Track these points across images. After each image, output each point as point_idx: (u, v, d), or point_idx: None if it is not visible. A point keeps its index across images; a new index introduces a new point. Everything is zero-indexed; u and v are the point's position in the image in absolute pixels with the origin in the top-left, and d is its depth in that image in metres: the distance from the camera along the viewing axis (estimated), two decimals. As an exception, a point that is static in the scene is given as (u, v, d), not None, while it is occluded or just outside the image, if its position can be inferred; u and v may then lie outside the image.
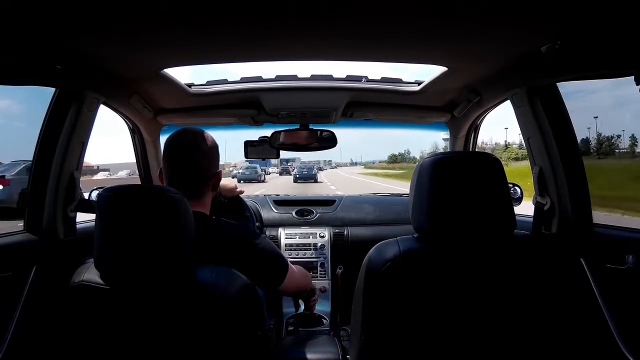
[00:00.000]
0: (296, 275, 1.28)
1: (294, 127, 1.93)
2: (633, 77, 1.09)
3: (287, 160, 49.87)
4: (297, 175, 26.63)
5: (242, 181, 23.52)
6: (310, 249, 2.05)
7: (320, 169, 56.59)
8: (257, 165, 27.74)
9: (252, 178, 25.74)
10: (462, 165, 1.00)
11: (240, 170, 27.65)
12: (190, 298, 0.93)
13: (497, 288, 1.00)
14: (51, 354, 1.24)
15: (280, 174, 37.69)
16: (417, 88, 1.72)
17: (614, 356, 1.18)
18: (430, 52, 1.34)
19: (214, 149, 1.20)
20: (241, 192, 1.68)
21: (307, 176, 26.34)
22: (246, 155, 2.05)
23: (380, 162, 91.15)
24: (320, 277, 2.02)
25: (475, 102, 1.69)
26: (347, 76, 1.77)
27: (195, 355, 0.92)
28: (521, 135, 1.50)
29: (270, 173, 33.25)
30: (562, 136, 1.34)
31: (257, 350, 1.04)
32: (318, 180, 26.55)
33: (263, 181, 26.48)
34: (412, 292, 0.99)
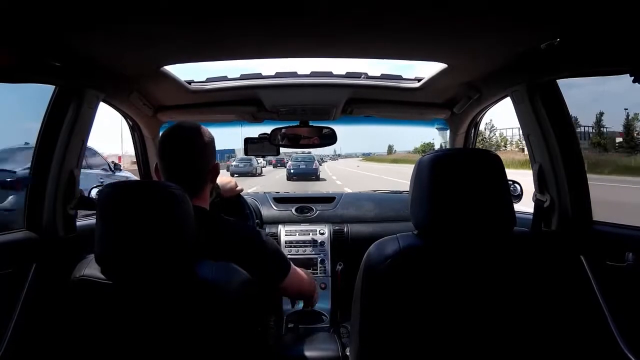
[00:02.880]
0: (302, 278, 1.28)
1: (294, 124, 1.93)
2: (628, 74, 1.10)
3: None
4: (292, 171, 19.79)
5: (235, 175, 19.60)
6: (310, 246, 2.05)
7: (322, 160, 44.82)
8: (253, 158, 21.71)
9: (248, 172, 22.11)
10: (462, 162, 1.00)
11: (234, 163, 23.43)
12: (191, 293, 0.93)
13: (497, 285, 1.00)
14: (51, 351, 1.24)
15: (275, 166, 31.44)
16: (417, 85, 1.72)
17: (613, 354, 1.18)
18: (430, 49, 1.34)
19: (210, 143, 1.19)
20: (241, 190, 1.68)
21: (306, 172, 19.61)
22: (246, 152, 2.05)
23: (376, 154, 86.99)
24: (320, 274, 2.02)
25: (475, 99, 1.69)
26: (347, 73, 1.76)
27: (195, 349, 0.92)
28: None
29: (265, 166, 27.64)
30: (562, 133, 1.34)
31: (257, 346, 1.04)
32: (321, 177, 20.04)
33: (260, 174, 23.39)
34: (412, 288, 0.99)
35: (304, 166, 20.04)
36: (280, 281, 1.20)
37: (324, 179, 19.45)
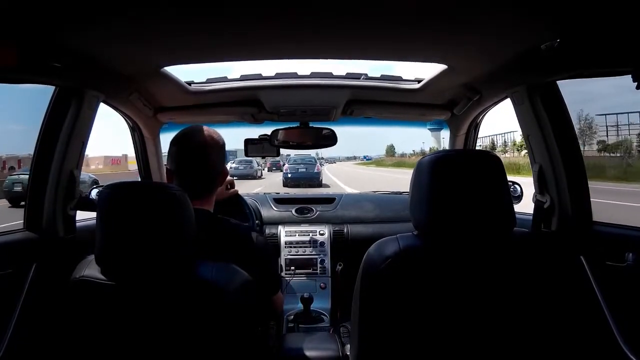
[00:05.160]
0: (281, 302, 1.33)
1: (294, 125, 1.93)
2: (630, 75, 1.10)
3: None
4: (290, 175, 16.60)
5: (234, 177, 15.06)
6: (310, 246, 2.05)
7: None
8: (253, 159, 20.03)
9: (247, 174, 20.31)
10: (462, 163, 1.00)
11: (233, 165, 21.03)
12: (192, 293, 0.93)
13: (497, 286, 1.00)
14: (51, 351, 1.24)
15: (270, 169, 27.69)
16: (417, 86, 1.72)
17: (613, 354, 1.19)
18: (430, 50, 1.34)
19: (222, 147, 1.21)
20: (236, 191, 1.68)
21: (306, 176, 16.29)
22: (246, 154, 2.05)
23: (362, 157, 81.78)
24: (320, 274, 2.02)
25: (475, 100, 1.69)
26: (347, 74, 1.76)
27: (196, 350, 0.92)
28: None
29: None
30: (562, 134, 1.35)
31: (257, 346, 1.04)
32: (323, 183, 16.90)
33: (260, 177, 21.81)
34: (412, 289, 0.99)
35: (304, 169, 16.88)
36: (272, 293, 1.24)
37: (327, 185, 16.58)
